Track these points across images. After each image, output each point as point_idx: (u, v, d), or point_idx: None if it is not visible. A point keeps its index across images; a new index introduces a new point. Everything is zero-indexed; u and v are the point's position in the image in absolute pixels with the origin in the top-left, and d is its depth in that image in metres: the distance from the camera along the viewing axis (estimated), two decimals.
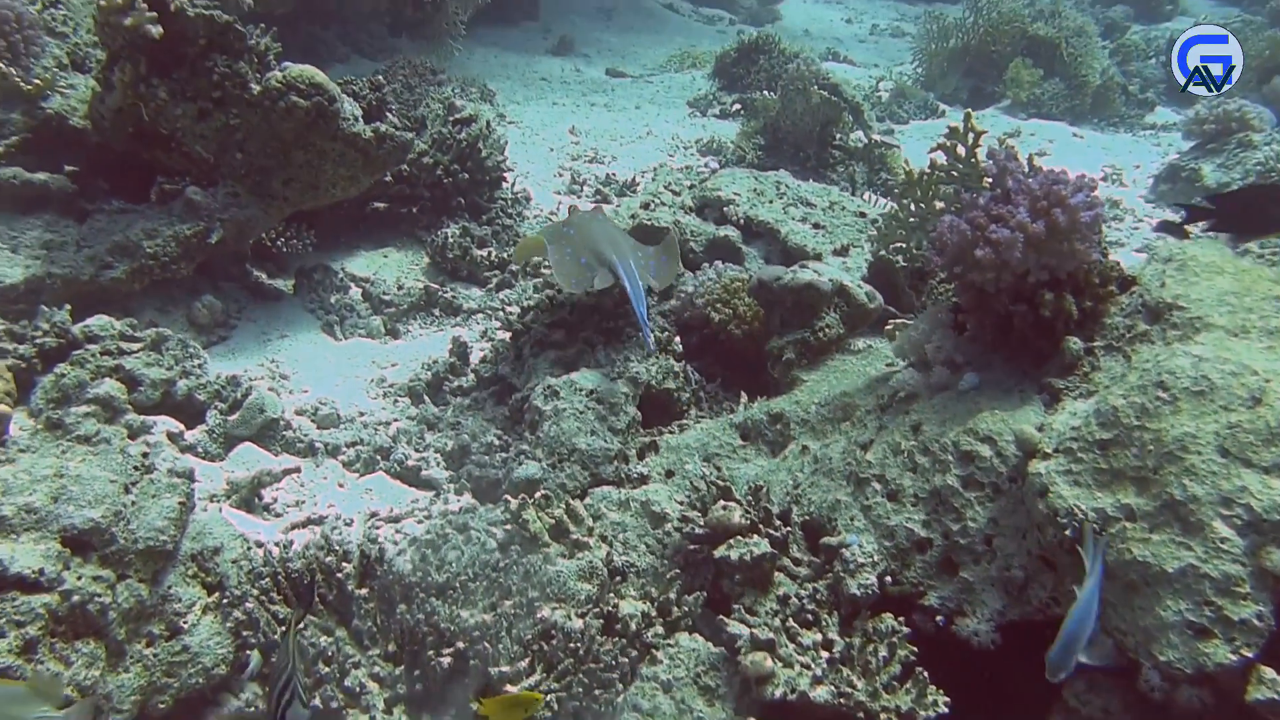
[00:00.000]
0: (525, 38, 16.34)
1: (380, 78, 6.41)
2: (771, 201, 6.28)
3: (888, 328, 4.84)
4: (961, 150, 4.10)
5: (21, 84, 5.10)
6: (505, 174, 7.13)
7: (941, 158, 4.20)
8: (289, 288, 6.13)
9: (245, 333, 5.71)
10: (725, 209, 6.30)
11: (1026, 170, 3.67)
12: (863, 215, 6.31)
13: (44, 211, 5.24)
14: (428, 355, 5.69)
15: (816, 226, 6.11)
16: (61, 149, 5.47)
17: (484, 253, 6.56)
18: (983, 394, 3.69)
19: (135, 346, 4.81)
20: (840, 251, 5.88)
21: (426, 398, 5.35)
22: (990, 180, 3.72)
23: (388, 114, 6.06)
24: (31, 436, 3.32)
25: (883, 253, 5.33)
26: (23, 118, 5.33)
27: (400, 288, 6.31)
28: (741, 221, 6.22)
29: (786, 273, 4.96)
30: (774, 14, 20.00)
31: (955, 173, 4.16)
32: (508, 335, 5.48)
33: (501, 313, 6.02)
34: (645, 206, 6.46)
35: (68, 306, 4.77)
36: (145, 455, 3.43)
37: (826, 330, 4.88)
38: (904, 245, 4.93)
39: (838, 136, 9.00)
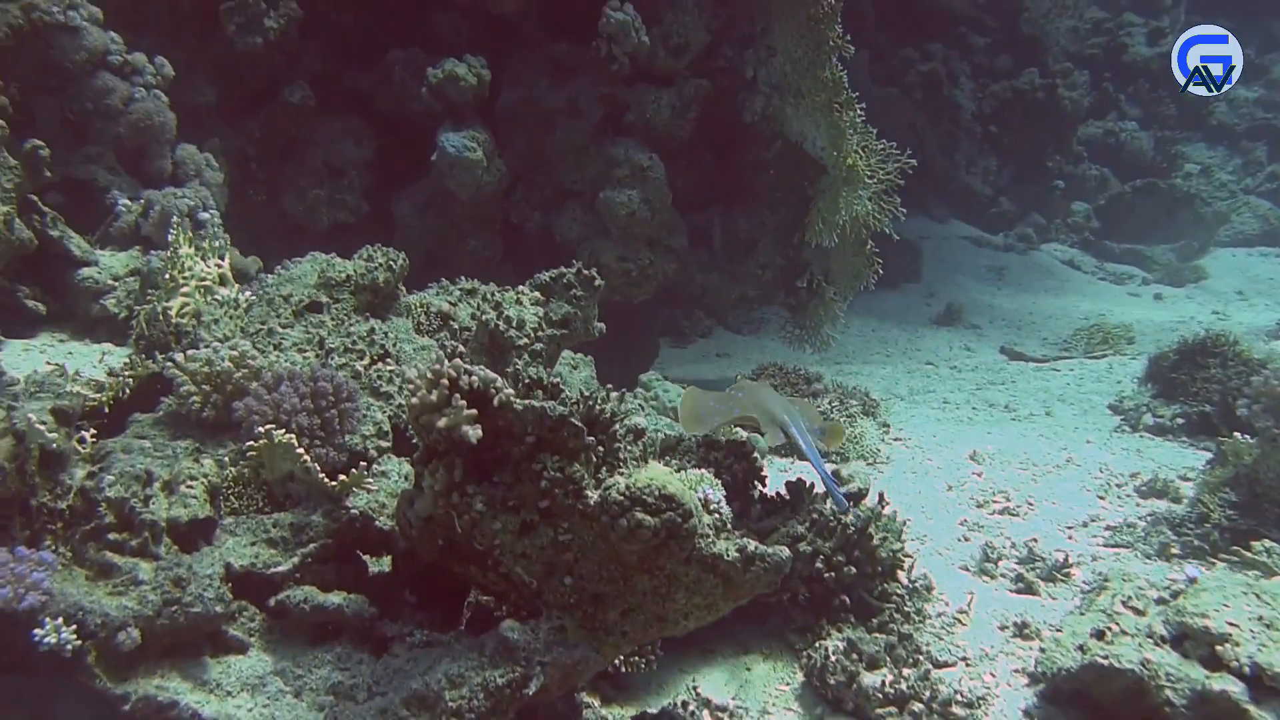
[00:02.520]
0: (906, 304, 15.10)
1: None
2: None
3: None
4: None
5: (325, 481, 4.26)
6: (903, 562, 5.59)
7: None
8: None
9: None
10: (1217, 647, 4.41)
11: None
12: None
13: (336, 643, 4.31)
14: None
15: None
16: (366, 551, 4.59)
17: (876, 680, 4.98)
18: None
19: None
20: None
21: None
22: None
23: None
24: None
25: None
26: (324, 520, 4.51)
27: None
28: (1246, 669, 4.31)
29: None
30: (1197, 272, 17.51)
31: None
32: None
33: None
34: (1099, 636, 4.72)
35: None
36: None
37: None
38: None
39: None
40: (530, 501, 4.23)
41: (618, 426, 4.13)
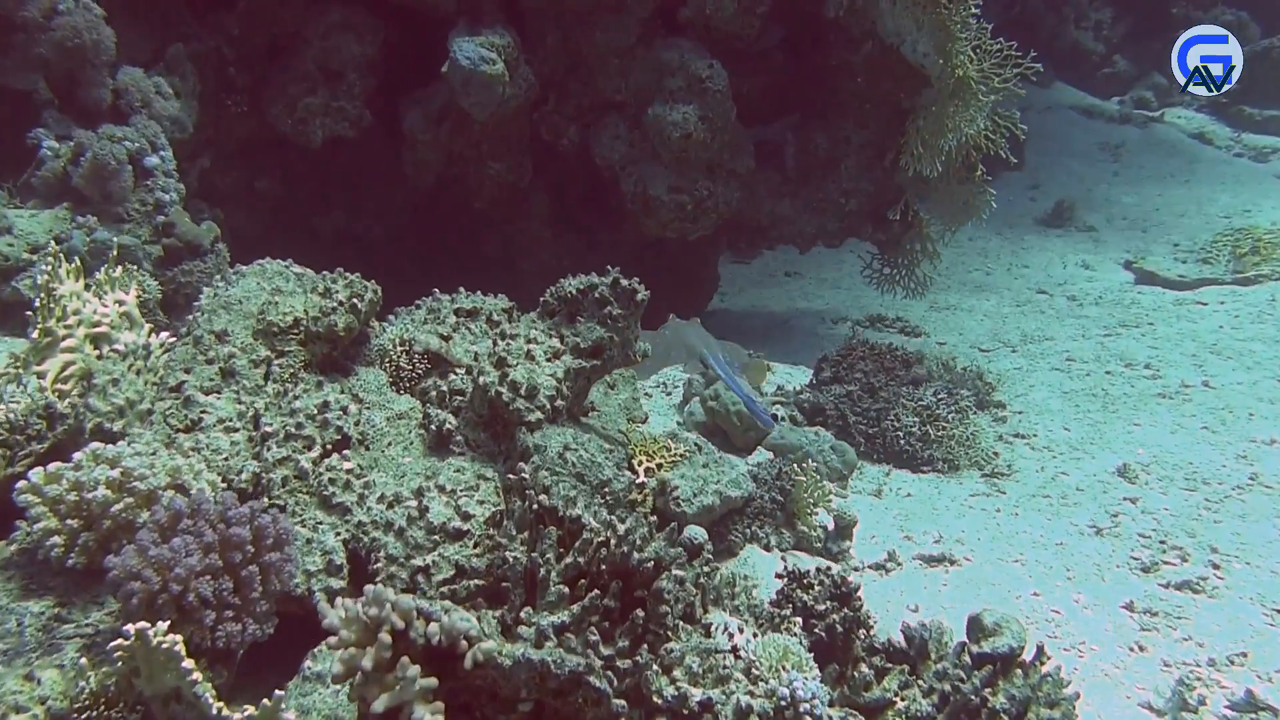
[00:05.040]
0: (1007, 199, 13.19)
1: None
2: None
3: None
4: None
5: (224, 711, 2.91)
6: None
7: None
8: None
9: None
10: None
11: None
12: None
13: None
14: None
15: None
16: None
17: None
18: None
19: None
20: None
21: None
22: None
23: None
24: None
25: None
26: None
27: None
28: None
29: None
30: None
31: None
32: None
33: None
34: None
35: None
36: None
37: None
38: None
39: None
40: None
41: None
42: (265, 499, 3.90)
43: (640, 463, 5.12)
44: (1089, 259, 11.65)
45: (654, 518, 4.94)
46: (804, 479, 5.30)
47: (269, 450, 3.96)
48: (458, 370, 4.64)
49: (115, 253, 5.78)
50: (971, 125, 7.78)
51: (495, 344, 4.43)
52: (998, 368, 8.53)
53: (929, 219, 8.77)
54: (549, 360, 4.36)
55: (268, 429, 4.01)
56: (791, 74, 8.92)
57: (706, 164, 8.32)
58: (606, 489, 4.57)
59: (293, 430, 4.03)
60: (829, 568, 4.09)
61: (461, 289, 5.08)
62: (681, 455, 5.26)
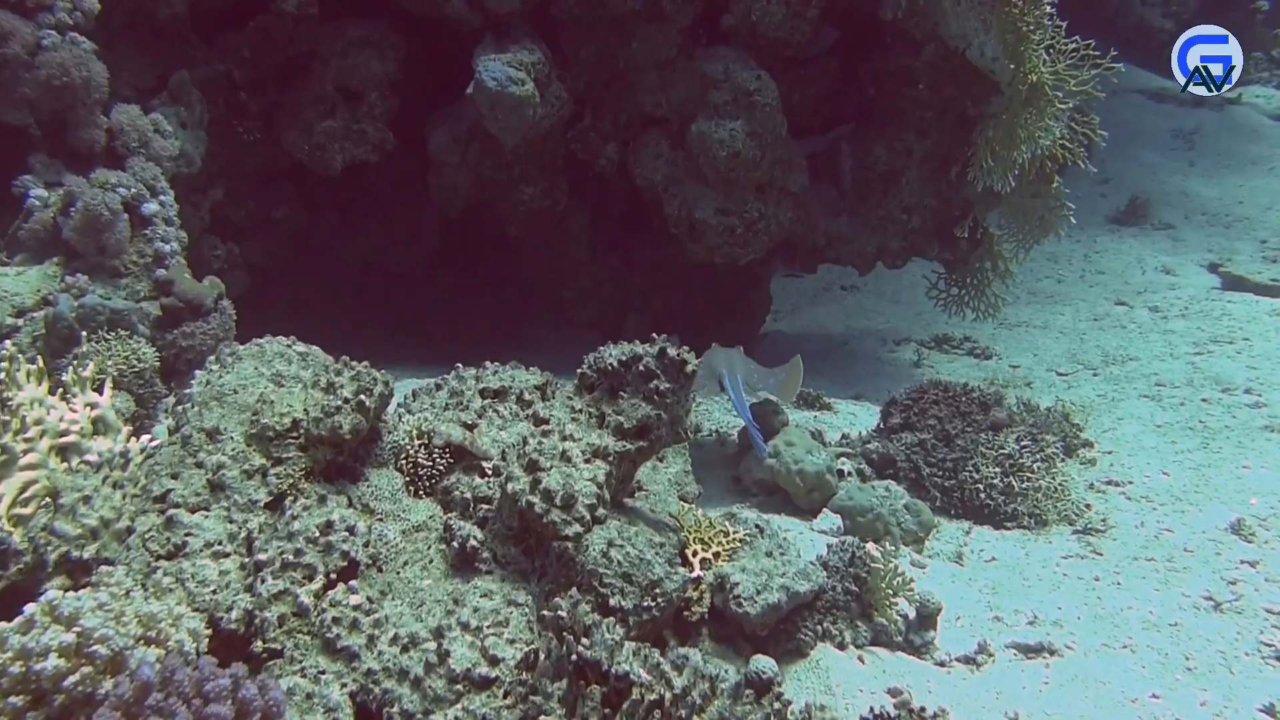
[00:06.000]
0: (1076, 194, 12.30)
1: None
2: None
3: None
4: None
5: None
6: None
7: None
8: None
9: None
10: None
11: None
12: None
13: None
14: None
15: None
16: None
17: None
18: None
19: None
20: None
21: None
22: None
23: None
24: None
25: None
26: None
27: None
28: None
29: None
30: None
31: None
32: None
33: None
34: None
35: None
36: None
37: None
38: None
39: None
40: None
41: None
42: (259, 642, 3.37)
43: (695, 552, 4.56)
44: (1169, 262, 10.89)
45: (710, 623, 4.40)
46: (881, 565, 4.69)
47: (263, 583, 3.42)
48: (485, 463, 4.08)
49: (105, 317, 5.28)
50: (1047, 135, 7.08)
51: (526, 442, 3.85)
52: (1080, 395, 7.85)
53: (1000, 235, 8.07)
54: (588, 462, 3.78)
55: (262, 557, 3.47)
56: (846, 81, 8.25)
57: (756, 183, 7.69)
58: (658, 590, 4.01)
59: (291, 558, 3.49)
60: (922, 710, 3.47)
61: (488, 364, 4.51)
62: (741, 540, 4.70)
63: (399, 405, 4.54)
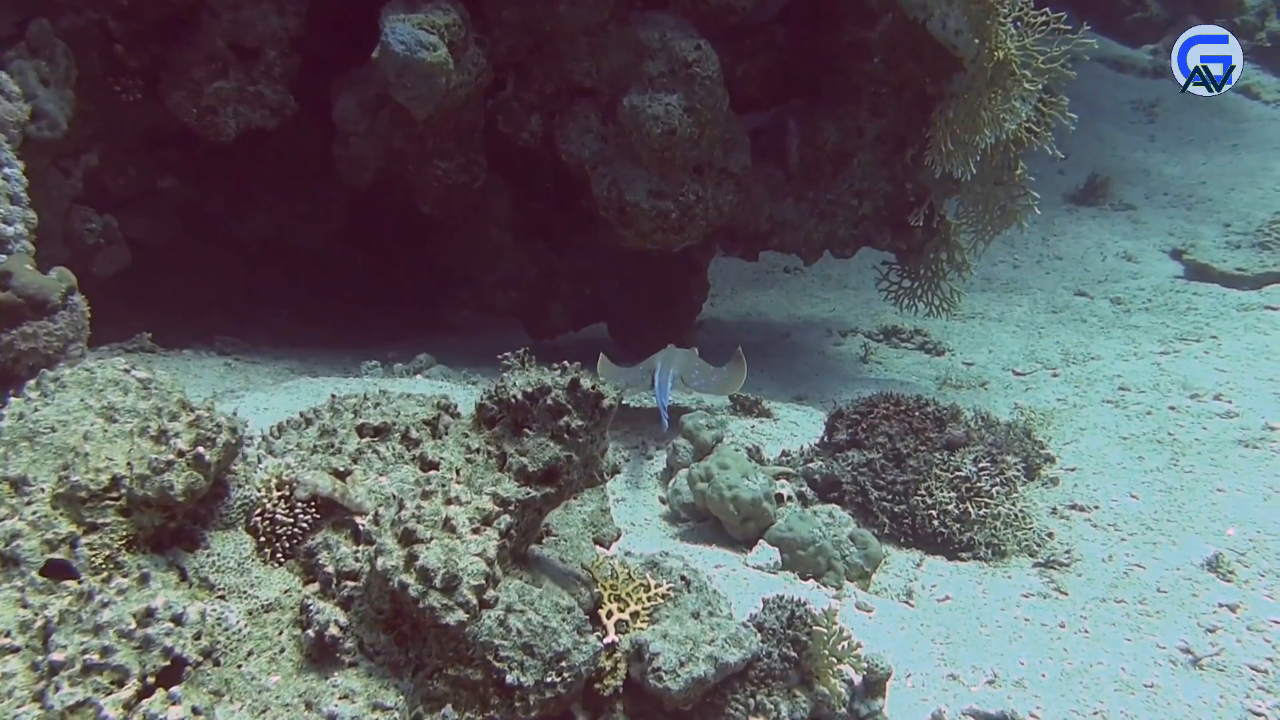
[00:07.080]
0: (1033, 170, 11.86)
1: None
2: None
3: None
4: None
5: None
6: None
7: None
8: None
9: None
10: None
11: None
12: None
13: None
14: None
15: None
16: None
17: None
18: None
19: None
20: None
21: None
22: None
23: None
24: None
25: None
26: None
27: None
28: None
29: None
30: None
31: None
32: None
33: None
34: None
35: None
36: None
37: None
38: None
39: None
40: None
41: None
42: None
43: (610, 612, 3.95)
44: (1130, 247, 10.45)
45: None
46: (824, 629, 4.12)
47: (57, 691, 2.76)
48: (359, 519, 3.43)
49: None
50: (1013, 118, 6.51)
51: (404, 505, 3.22)
52: (1039, 399, 7.37)
53: (958, 224, 7.52)
54: (476, 531, 3.15)
55: (58, 656, 2.80)
56: (794, 52, 7.60)
57: (694, 163, 7.05)
58: (564, 663, 3.42)
59: (96, 659, 2.82)
60: None
61: (368, 398, 3.85)
62: (664, 596, 4.11)
63: (262, 439, 3.89)
